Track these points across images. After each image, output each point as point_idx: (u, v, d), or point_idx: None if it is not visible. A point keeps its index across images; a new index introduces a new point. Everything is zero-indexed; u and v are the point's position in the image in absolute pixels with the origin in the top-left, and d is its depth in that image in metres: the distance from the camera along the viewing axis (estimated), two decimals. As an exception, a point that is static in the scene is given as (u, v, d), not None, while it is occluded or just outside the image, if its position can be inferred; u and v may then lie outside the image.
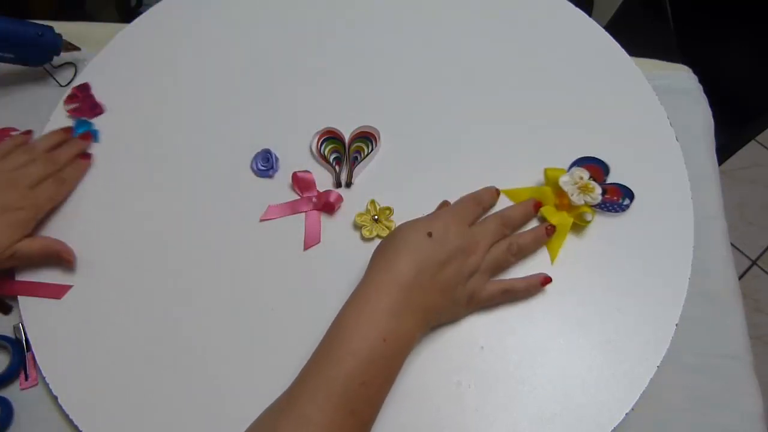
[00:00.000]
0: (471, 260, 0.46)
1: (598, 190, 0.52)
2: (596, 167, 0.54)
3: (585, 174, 0.53)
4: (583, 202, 0.51)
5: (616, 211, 0.53)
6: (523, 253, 0.50)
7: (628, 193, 0.53)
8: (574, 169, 0.53)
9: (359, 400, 0.39)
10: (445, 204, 0.52)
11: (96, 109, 0.60)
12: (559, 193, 0.53)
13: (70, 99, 0.60)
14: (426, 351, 0.48)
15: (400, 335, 0.42)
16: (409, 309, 0.43)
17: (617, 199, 0.53)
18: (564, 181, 0.52)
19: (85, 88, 0.61)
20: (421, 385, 0.46)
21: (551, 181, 0.53)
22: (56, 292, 0.50)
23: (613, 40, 0.63)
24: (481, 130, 0.58)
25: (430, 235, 0.44)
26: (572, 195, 0.51)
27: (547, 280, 0.49)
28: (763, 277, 1.32)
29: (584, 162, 0.54)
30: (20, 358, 0.48)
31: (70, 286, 0.51)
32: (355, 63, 0.62)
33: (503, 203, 0.54)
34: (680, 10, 1.15)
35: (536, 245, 0.51)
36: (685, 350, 0.49)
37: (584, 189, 0.52)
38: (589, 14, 0.65)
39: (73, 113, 0.59)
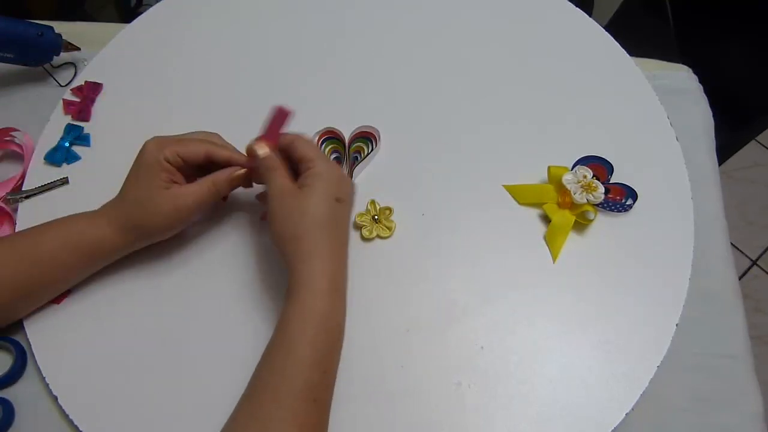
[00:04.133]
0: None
1: (601, 189, 0.52)
2: (600, 166, 0.54)
3: (588, 173, 0.53)
4: (585, 201, 0.51)
5: (619, 211, 0.53)
6: None
7: (632, 193, 0.53)
8: (577, 167, 0.53)
9: (321, 387, 0.41)
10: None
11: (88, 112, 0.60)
12: (562, 191, 0.53)
13: (71, 99, 0.60)
14: (426, 351, 0.48)
15: (343, 302, 0.44)
16: (344, 274, 0.45)
17: (620, 198, 0.53)
18: (567, 179, 0.52)
19: (81, 89, 0.61)
20: (421, 385, 0.46)
21: (554, 179, 0.53)
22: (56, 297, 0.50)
23: (613, 40, 0.63)
24: (480, 129, 0.58)
25: (339, 200, 0.44)
26: (575, 193, 0.51)
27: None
28: (763, 277, 1.32)
29: (588, 161, 0.54)
30: (22, 359, 0.48)
31: (68, 291, 0.50)
32: (356, 63, 0.62)
33: (506, 200, 0.54)
34: (680, 10, 1.15)
35: None
36: (685, 350, 0.49)
37: (587, 188, 0.52)
38: (589, 14, 0.65)
39: (72, 113, 0.59)
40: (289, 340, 0.41)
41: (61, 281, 0.48)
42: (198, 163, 0.48)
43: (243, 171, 0.48)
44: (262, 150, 0.46)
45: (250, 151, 0.47)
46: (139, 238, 0.48)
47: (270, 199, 0.45)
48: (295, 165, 0.47)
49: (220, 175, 0.48)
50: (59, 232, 0.47)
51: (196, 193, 0.47)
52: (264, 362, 0.42)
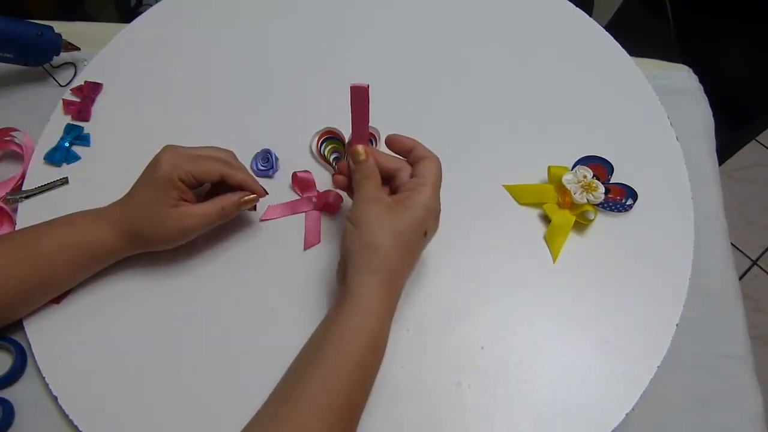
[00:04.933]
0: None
1: (601, 189, 0.52)
2: (600, 166, 0.54)
3: (588, 173, 0.53)
4: (585, 201, 0.51)
5: (619, 211, 0.53)
6: None
7: (632, 193, 0.53)
8: (577, 167, 0.53)
9: (358, 407, 0.41)
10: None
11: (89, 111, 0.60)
12: (562, 191, 0.53)
13: (70, 99, 0.60)
14: (426, 351, 0.48)
15: (389, 328, 0.43)
16: (397, 301, 0.44)
17: (620, 198, 0.53)
18: (567, 179, 0.52)
19: (81, 88, 0.61)
20: (421, 385, 0.46)
21: (554, 179, 0.53)
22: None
23: (613, 40, 0.63)
24: (480, 129, 0.58)
25: (426, 234, 0.44)
26: (575, 193, 0.51)
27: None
28: (763, 277, 1.32)
29: (588, 161, 0.54)
30: (22, 359, 0.48)
31: (68, 291, 0.50)
32: (356, 63, 0.62)
33: (506, 200, 0.54)
34: (680, 10, 1.15)
35: None
36: (685, 350, 0.49)
37: (587, 188, 0.52)
38: (589, 14, 0.65)
39: (71, 113, 0.59)
40: (339, 353, 0.40)
41: (61, 282, 0.48)
42: (211, 182, 0.48)
43: (253, 196, 0.49)
44: (362, 156, 0.44)
45: (351, 154, 0.45)
46: (139, 245, 0.49)
47: (358, 203, 0.43)
48: (386, 167, 0.45)
49: (231, 199, 0.48)
50: (59, 233, 0.47)
51: (204, 214, 0.47)
52: (305, 367, 0.41)
